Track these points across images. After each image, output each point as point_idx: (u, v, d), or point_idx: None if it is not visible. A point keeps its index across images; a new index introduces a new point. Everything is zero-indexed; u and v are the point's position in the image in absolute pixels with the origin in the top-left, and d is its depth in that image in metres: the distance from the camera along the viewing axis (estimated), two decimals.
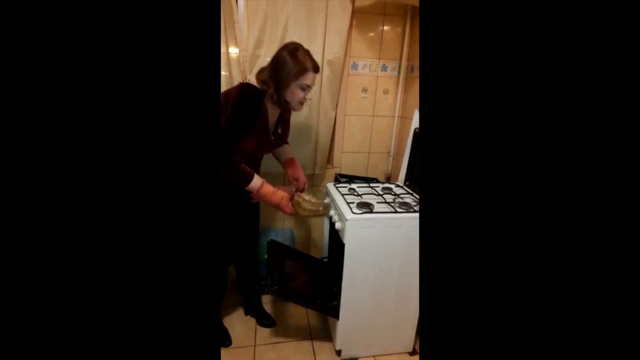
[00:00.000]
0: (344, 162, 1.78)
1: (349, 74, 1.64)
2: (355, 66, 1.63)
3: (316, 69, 1.10)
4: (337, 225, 1.20)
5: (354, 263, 1.16)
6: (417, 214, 1.16)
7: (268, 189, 1.15)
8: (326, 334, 1.47)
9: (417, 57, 1.57)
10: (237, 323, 1.51)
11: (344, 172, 1.77)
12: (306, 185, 1.34)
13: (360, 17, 1.56)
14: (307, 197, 1.20)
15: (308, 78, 1.08)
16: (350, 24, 1.52)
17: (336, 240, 1.27)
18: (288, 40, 1.45)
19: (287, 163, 1.34)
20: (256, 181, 1.12)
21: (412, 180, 1.50)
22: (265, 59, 1.45)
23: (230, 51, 1.43)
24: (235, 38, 1.40)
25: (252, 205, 1.30)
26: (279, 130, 1.27)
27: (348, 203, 1.20)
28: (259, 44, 1.44)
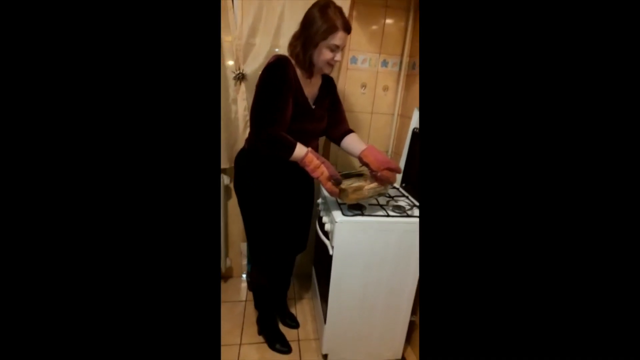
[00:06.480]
0: (340, 159, 1.73)
1: (347, 68, 1.57)
2: (354, 60, 1.57)
3: (347, 28, 0.99)
4: (327, 227, 1.15)
5: (343, 266, 1.12)
6: (410, 219, 1.11)
7: (311, 160, 1.01)
8: (314, 337, 1.43)
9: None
10: (224, 320, 1.48)
11: (339, 169, 1.70)
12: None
13: (361, 9, 1.48)
14: (355, 184, 1.12)
15: (337, 38, 0.98)
16: (350, 15, 1.45)
17: (325, 242, 1.23)
18: (284, 29, 1.38)
19: (364, 154, 1.15)
20: (299, 150, 1.00)
21: (409, 182, 1.44)
22: (260, 48, 1.39)
23: (223, 38, 1.37)
24: (229, 25, 1.34)
25: (307, 195, 1.26)
26: (326, 102, 1.19)
27: (339, 204, 1.15)
28: (253, 32, 1.37)
